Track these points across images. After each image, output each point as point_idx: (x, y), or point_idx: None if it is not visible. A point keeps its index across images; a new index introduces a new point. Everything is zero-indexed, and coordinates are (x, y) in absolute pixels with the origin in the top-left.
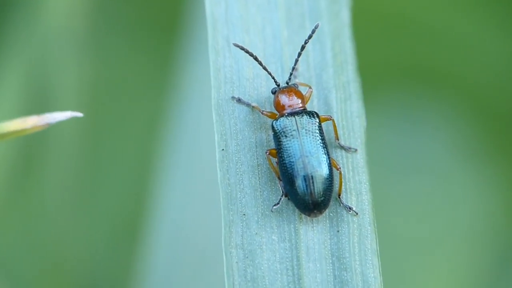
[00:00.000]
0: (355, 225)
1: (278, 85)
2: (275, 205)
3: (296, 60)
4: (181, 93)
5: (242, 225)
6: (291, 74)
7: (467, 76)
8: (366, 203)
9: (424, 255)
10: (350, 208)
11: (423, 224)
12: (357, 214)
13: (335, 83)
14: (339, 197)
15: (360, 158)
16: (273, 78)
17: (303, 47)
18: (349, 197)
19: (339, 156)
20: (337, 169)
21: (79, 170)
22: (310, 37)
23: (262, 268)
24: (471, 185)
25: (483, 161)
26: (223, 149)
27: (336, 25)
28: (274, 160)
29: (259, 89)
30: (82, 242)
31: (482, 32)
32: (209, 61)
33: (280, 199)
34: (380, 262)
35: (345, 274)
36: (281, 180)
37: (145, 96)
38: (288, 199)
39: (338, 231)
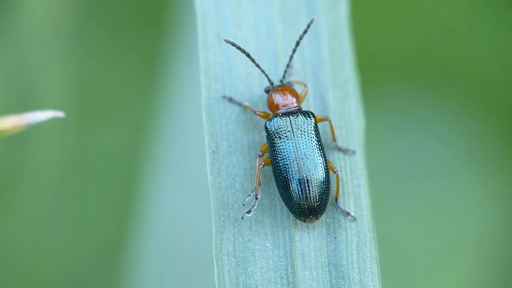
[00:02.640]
0: (353, 231)
1: (272, 84)
2: (247, 212)
3: (291, 57)
4: (169, 92)
5: (234, 232)
6: (285, 71)
7: (474, 71)
8: (365, 208)
9: (427, 263)
10: (348, 213)
11: (427, 230)
12: (355, 219)
13: (332, 81)
14: (337, 202)
15: (358, 160)
16: (267, 76)
17: (297, 43)
18: (347, 202)
19: (336, 158)
20: (334, 172)
21: (62, 173)
22: (305, 32)
23: (255, 276)
24: (479, 188)
25: (492, 162)
26: (213, 151)
27: (334, 20)
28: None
29: (252, 87)
30: (66, 251)
31: (492, 25)
32: (199, 58)
33: (253, 206)
34: (380, 270)
35: (343, 283)
36: (259, 185)
37: (131, 94)
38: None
39: (335, 237)
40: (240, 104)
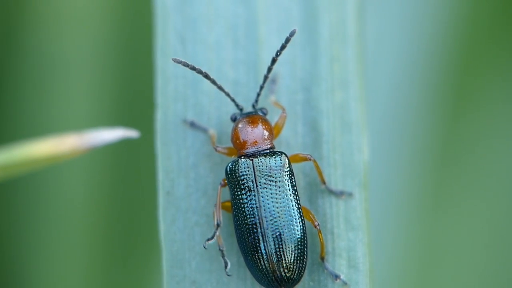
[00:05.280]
0: None
1: (241, 110)
2: (208, 239)
3: (269, 69)
4: None
5: None
6: (258, 94)
7: None
8: (362, 269)
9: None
10: (337, 276)
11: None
12: (346, 284)
13: (329, 102)
14: (323, 261)
15: (357, 205)
16: (233, 100)
17: (274, 60)
18: (337, 261)
19: (326, 203)
20: (315, 227)
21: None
22: (282, 47)
23: None
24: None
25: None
26: (168, 192)
27: (336, 21)
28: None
29: (222, 108)
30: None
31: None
32: (155, 69)
33: (214, 232)
34: None
35: None
36: (217, 213)
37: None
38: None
39: None
40: (205, 131)
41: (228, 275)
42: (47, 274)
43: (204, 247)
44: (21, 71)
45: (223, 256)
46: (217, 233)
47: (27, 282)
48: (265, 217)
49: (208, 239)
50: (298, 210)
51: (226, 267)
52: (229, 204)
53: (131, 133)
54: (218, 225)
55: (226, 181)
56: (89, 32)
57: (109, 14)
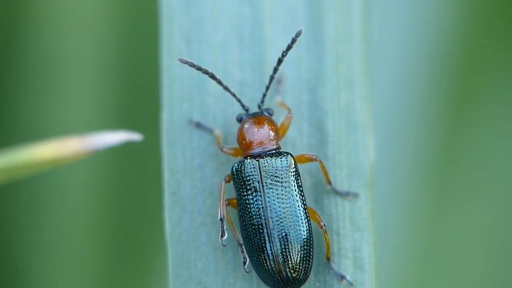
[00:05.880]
0: None
1: (247, 110)
2: (221, 236)
3: (275, 69)
4: None
5: None
6: (264, 95)
7: None
8: (367, 270)
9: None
10: (343, 276)
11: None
12: (352, 284)
13: (334, 103)
14: (329, 262)
15: (362, 205)
16: (239, 101)
17: (279, 61)
18: (343, 262)
19: (332, 203)
20: (321, 227)
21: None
22: (289, 48)
23: None
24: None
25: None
26: (174, 193)
27: (342, 21)
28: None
29: (228, 108)
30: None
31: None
32: (161, 70)
33: (222, 227)
34: None
35: None
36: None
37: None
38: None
39: None
40: (210, 131)
41: (246, 272)
42: (51, 274)
43: (223, 245)
44: (23, 73)
45: (242, 251)
46: (224, 227)
47: (29, 283)
48: (271, 217)
49: (221, 236)
50: (304, 211)
51: (244, 263)
52: (235, 201)
53: (135, 136)
54: (221, 220)
55: (230, 177)
56: (92, 32)
57: (113, 14)
